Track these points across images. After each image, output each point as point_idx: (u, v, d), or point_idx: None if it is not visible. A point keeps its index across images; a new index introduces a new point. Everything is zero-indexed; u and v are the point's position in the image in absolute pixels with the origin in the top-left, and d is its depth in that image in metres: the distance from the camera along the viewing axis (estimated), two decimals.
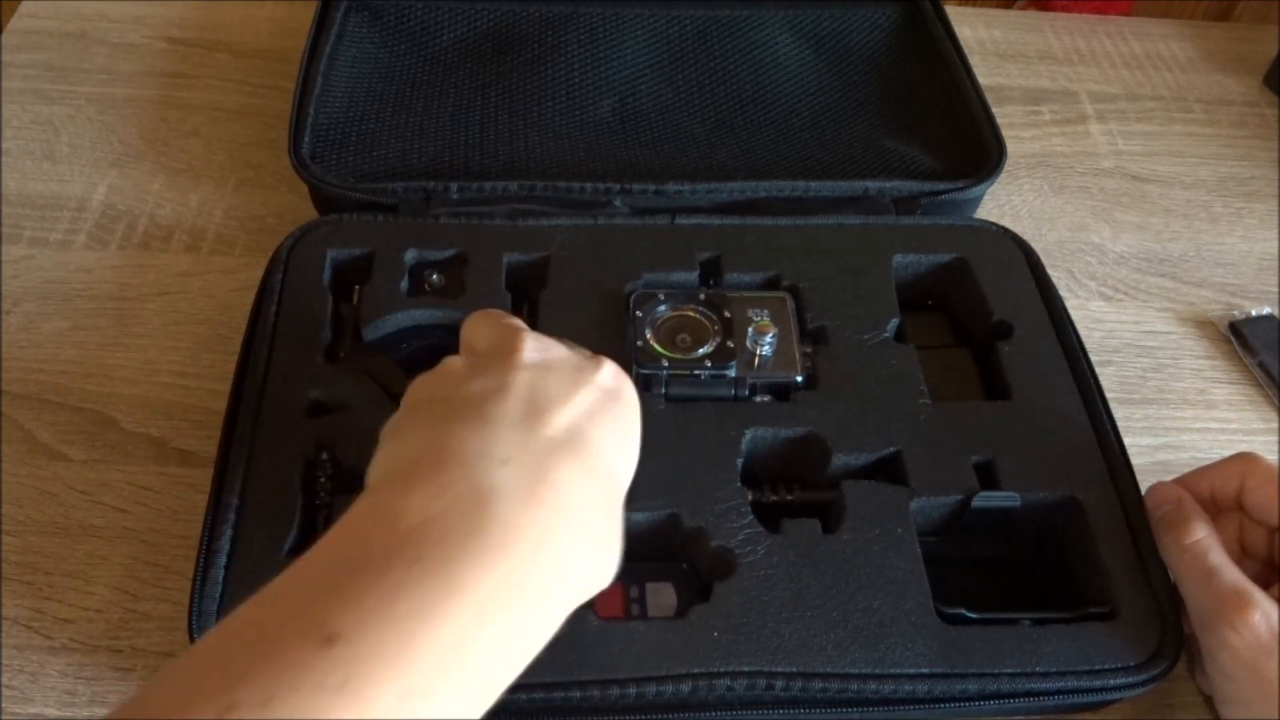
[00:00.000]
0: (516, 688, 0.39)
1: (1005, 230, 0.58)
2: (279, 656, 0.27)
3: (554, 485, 0.33)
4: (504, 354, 0.38)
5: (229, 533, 0.43)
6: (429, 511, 0.31)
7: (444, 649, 0.29)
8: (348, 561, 0.30)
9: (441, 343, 0.49)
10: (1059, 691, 0.41)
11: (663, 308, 0.51)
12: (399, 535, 0.31)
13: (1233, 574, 0.41)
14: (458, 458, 0.33)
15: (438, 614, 0.29)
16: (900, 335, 0.53)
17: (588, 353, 0.40)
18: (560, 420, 0.35)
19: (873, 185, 0.60)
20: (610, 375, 0.39)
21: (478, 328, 0.41)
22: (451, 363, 0.39)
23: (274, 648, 0.28)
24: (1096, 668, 0.42)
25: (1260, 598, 0.40)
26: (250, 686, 0.27)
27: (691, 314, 0.51)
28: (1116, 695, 0.43)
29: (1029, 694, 0.41)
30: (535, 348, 0.38)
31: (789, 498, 0.47)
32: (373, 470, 0.36)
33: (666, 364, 0.49)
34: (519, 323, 0.41)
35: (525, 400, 0.36)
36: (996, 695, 0.41)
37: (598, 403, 0.37)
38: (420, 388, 0.39)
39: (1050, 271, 0.56)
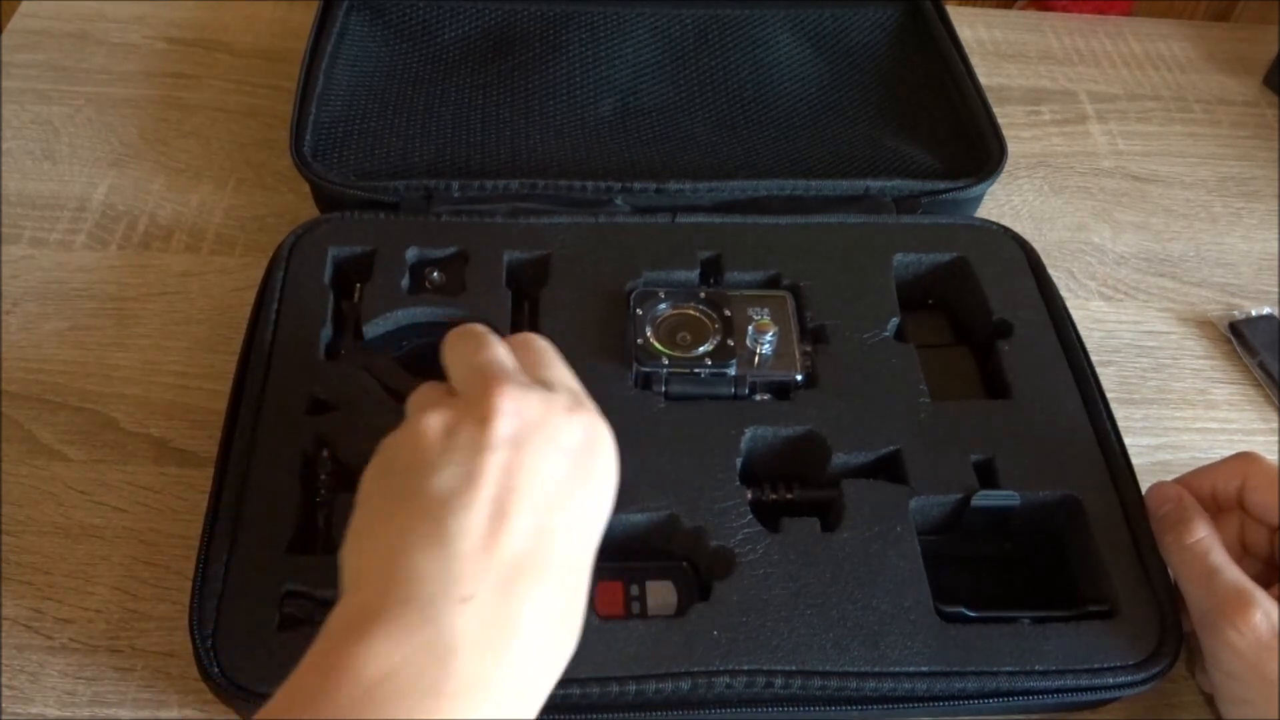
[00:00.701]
0: None
1: (1006, 230, 0.58)
2: None
3: (519, 622, 0.33)
4: (476, 425, 0.35)
5: (229, 532, 0.43)
6: (389, 663, 0.30)
7: None
8: (306, 706, 0.30)
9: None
10: (1058, 690, 0.41)
11: (663, 306, 0.51)
12: (360, 691, 0.30)
13: (1234, 573, 0.41)
14: (416, 598, 0.32)
15: None
16: (900, 334, 0.53)
17: (567, 390, 0.38)
18: (522, 526, 0.34)
19: (873, 184, 0.60)
20: (581, 427, 0.37)
21: (455, 358, 0.39)
22: (423, 425, 0.36)
23: None
24: (1096, 666, 0.42)
25: (1261, 597, 0.40)
26: None
27: (692, 312, 0.51)
28: (1116, 694, 0.43)
29: (1028, 692, 0.41)
30: (510, 415, 0.35)
31: (789, 496, 0.47)
32: (341, 570, 0.35)
33: (666, 362, 0.49)
34: (496, 361, 0.38)
35: (490, 505, 0.34)
36: (996, 694, 0.41)
37: (565, 483, 0.35)
38: (387, 455, 0.37)
39: (1050, 271, 0.56)
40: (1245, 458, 0.45)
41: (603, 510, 0.38)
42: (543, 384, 0.38)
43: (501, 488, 0.34)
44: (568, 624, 0.35)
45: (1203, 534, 0.43)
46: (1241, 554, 0.45)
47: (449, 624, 0.31)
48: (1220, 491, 0.45)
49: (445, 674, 0.31)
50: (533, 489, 0.34)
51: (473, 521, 0.33)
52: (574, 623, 0.35)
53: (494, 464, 0.34)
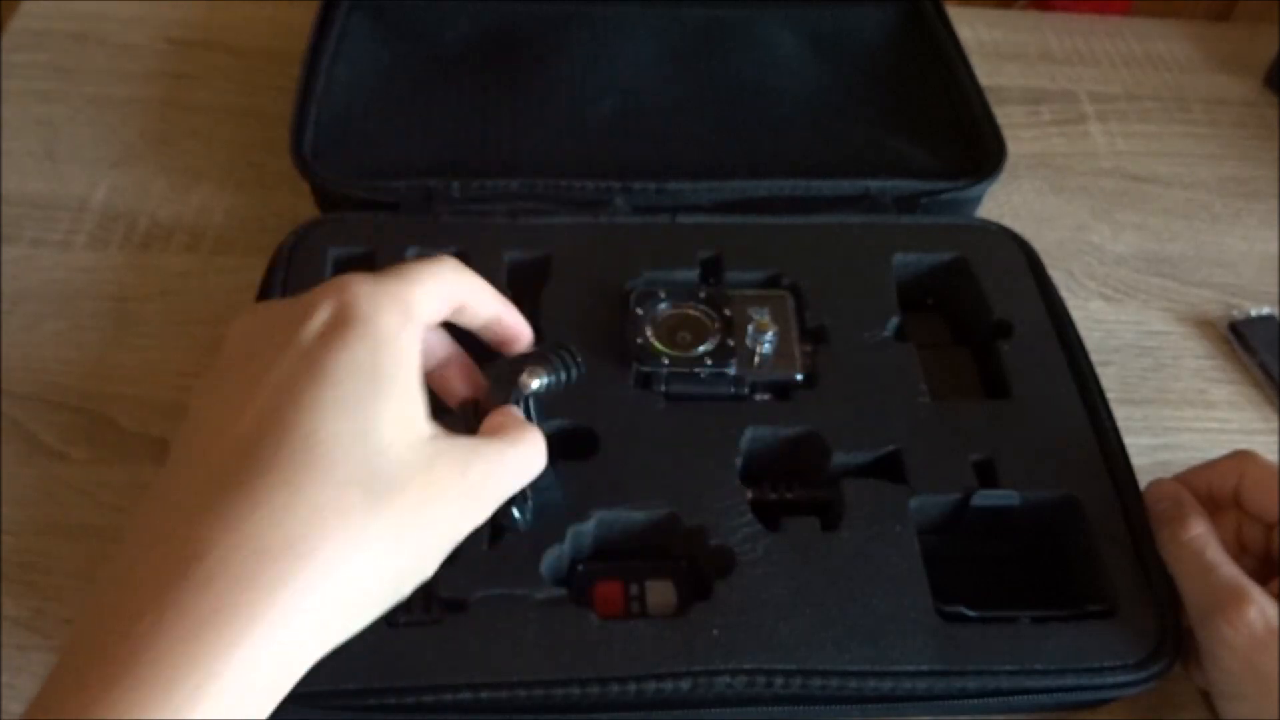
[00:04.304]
0: (515, 685, 0.39)
1: (1005, 229, 0.58)
2: None
3: (234, 528, 0.29)
4: (217, 359, 0.34)
5: None
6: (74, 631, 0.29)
7: None
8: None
9: None
10: (1058, 689, 0.41)
11: (663, 305, 0.51)
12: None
13: (1230, 570, 0.41)
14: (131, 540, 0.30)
15: None
16: (900, 334, 0.53)
17: (319, 291, 0.35)
18: (242, 426, 0.31)
19: (873, 184, 0.60)
20: (325, 311, 0.33)
21: None
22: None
23: None
24: (1095, 666, 0.42)
25: (1257, 594, 0.40)
26: None
27: (692, 312, 0.51)
28: (1115, 693, 0.43)
29: (1028, 691, 0.41)
30: (236, 327, 0.34)
31: (788, 496, 0.47)
32: None
33: (666, 362, 0.49)
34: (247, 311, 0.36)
35: (215, 422, 0.31)
36: (995, 693, 0.41)
37: (298, 367, 0.32)
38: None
39: (1050, 271, 0.56)
40: (1242, 456, 0.45)
41: (375, 386, 0.32)
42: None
43: (223, 397, 0.32)
44: (338, 531, 0.30)
45: (1199, 530, 0.43)
46: (1239, 551, 0.45)
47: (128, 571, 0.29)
48: (1217, 489, 0.46)
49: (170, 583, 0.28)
50: (250, 392, 0.32)
51: (193, 434, 0.32)
52: (358, 532, 0.30)
53: (214, 384, 0.33)
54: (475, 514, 0.35)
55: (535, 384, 0.40)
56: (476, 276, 0.40)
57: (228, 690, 0.27)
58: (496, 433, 0.37)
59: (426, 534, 0.33)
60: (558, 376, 0.41)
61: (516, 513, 0.40)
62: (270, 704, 0.29)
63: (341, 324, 0.33)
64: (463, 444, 0.35)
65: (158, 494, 0.32)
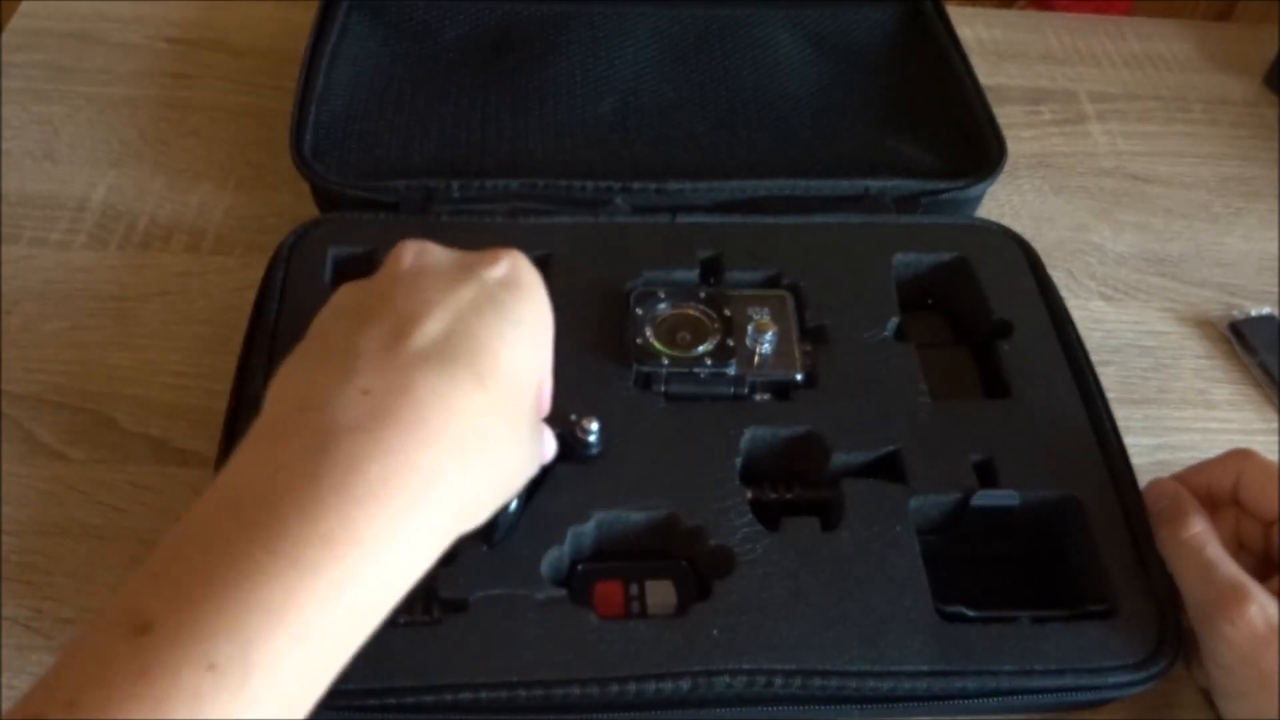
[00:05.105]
0: (515, 685, 0.39)
1: (1006, 229, 0.58)
2: (87, 651, 0.26)
3: (413, 402, 0.31)
4: (380, 276, 0.36)
5: None
6: (265, 469, 0.29)
7: (258, 617, 0.26)
8: (181, 539, 0.29)
9: None
10: (1058, 689, 0.41)
11: (663, 305, 0.51)
12: (230, 501, 0.29)
13: (1229, 567, 0.41)
14: (314, 403, 0.31)
15: (251, 581, 0.26)
16: (900, 334, 0.53)
17: (495, 251, 0.38)
18: (430, 329, 0.33)
19: (873, 184, 0.60)
20: (504, 267, 0.37)
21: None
22: (340, 297, 0.37)
23: (88, 641, 0.26)
24: (1095, 666, 0.42)
25: (1256, 591, 0.40)
26: (59, 686, 0.25)
27: (691, 312, 0.51)
28: (1115, 693, 0.43)
29: (1028, 691, 0.41)
30: (412, 255, 0.37)
31: (788, 496, 0.47)
32: (264, 401, 0.34)
33: (666, 361, 0.49)
34: (412, 241, 0.38)
35: (393, 317, 0.33)
36: (995, 693, 0.41)
37: (480, 299, 0.35)
38: (338, 300, 0.37)
39: (1050, 271, 0.56)
40: (1240, 454, 0.46)
41: (535, 340, 0.37)
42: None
43: (403, 306, 0.34)
44: (496, 431, 0.34)
45: (1198, 528, 0.43)
46: (1237, 549, 0.45)
47: (336, 419, 0.30)
48: (1215, 488, 0.46)
49: (319, 465, 0.29)
50: (435, 305, 0.34)
51: (375, 332, 0.33)
52: (506, 438, 0.34)
53: (393, 294, 0.35)
54: (530, 468, 0.39)
55: None
56: None
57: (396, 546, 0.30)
58: None
59: (525, 467, 0.38)
60: None
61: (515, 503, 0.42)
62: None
63: (517, 282, 0.37)
64: None
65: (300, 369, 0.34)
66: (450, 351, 0.33)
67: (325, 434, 0.30)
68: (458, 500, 0.32)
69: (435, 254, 0.37)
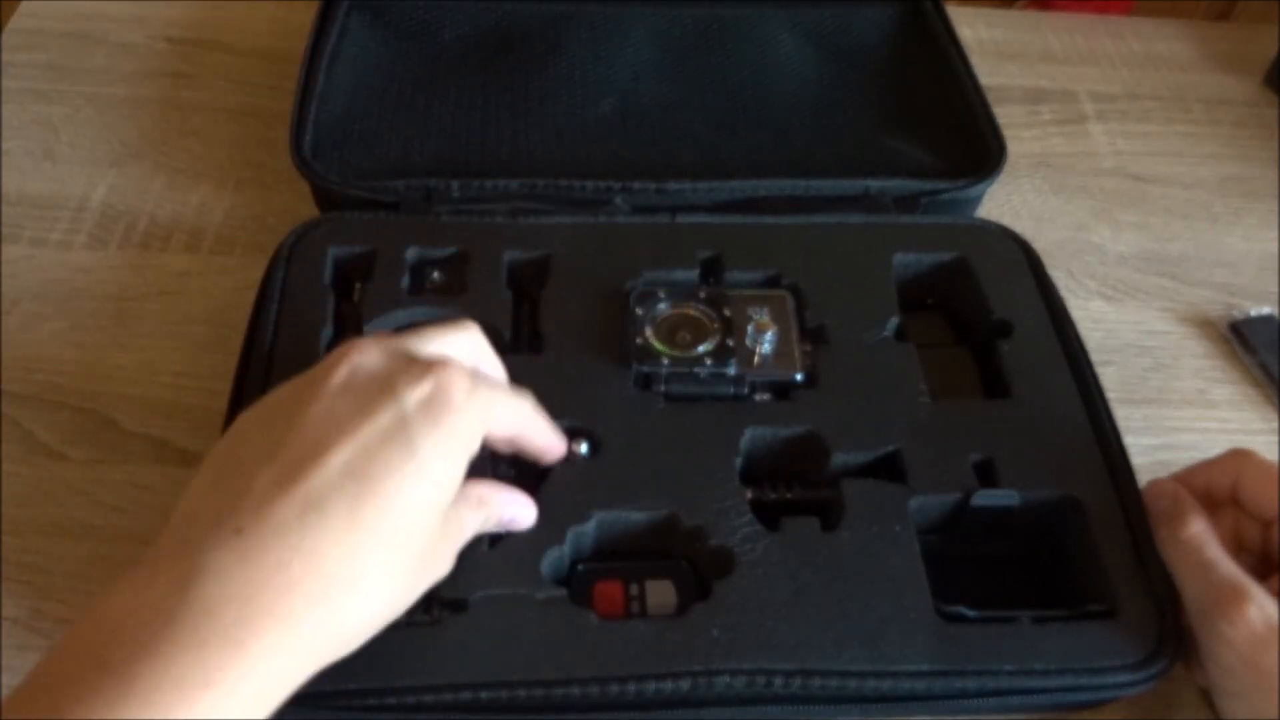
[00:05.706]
0: (515, 685, 0.39)
1: (1006, 229, 0.58)
2: None
3: (279, 546, 0.31)
4: (301, 388, 0.35)
5: None
6: (131, 604, 0.29)
7: None
8: (50, 672, 0.29)
9: None
10: (1058, 689, 0.41)
11: (663, 305, 0.51)
12: (101, 633, 0.29)
13: (1228, 567, 0.41)
14: (190, 536, 0.31)
15: None
16: (900, 334, 0.53)
17: (432, 347, 0.38)
18: (331, 465, 0.33)
19: (873, 184, 0.60)
20: (428, 386, 0.35)
21: None
22: (245, 425, 0.36)
23: None
24: (1095, 666, 0.41)
25: (1255, 591, 0.40)
26: None
27: (691, 312, 0.51)
28: (1115, 693, 0.43)
29: (1028, 691, 0.41)
30: (347, 371, 0.35)
31: (788, 496, 0.47)
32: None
33: (666, 361, 0.49)
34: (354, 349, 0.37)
35: (295, 449, 0.33)
36: (995, 692, 0.41)
37: (392, 429, 0.34)
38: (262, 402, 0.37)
39: (1050, 271, 0.56)
40: (1239, 454, 0.46)
41: (448, 471, 0.36)
42: (424, 353, 0.38)
43: (314, 432, 0.33)
44: (364, 571, 0.33)
45: (1198, 528, 0.43)
46: (1237, 549, 0.45)
47: (205, 553, 0.30)
48: (1215, 487, 0.46)
49: (181, 600, 0.29)
50: (353, 430, 0.34)
51: (271, 469, 0.33)
52: (374, 572, 0.33)
53: (308, 416, 0.34)
54: (416, 591, 0.38)
55: None
56: (543, 419, 0.43)
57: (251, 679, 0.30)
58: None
59: (408, 595, 0.37)
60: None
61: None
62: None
63: (442, 403, 0.36)
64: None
65: (199, 493, 0.33)
66: (338, 492, 0.32)
67: (190, 574, 0.30)
68: (320, 639, 0.32)
69: (370, 360, 0.36)
